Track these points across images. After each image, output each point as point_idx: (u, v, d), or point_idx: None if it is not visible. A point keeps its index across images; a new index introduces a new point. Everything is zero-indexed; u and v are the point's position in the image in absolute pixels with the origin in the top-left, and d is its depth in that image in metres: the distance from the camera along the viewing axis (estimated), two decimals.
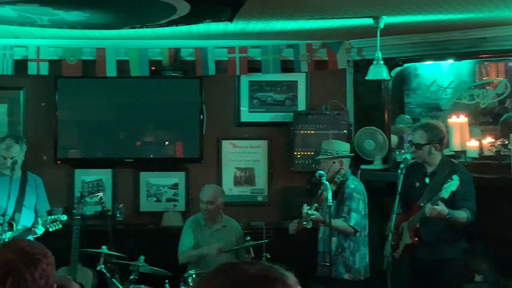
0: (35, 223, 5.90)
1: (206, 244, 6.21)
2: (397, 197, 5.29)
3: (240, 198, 7.17)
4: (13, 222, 5.85)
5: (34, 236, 5.78)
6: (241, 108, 7.22)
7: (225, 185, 7.07)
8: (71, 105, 7.07)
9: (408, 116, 6.79)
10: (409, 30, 6.10)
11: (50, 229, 5.88)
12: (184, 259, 6.14)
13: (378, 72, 5.61)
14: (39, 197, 6.12)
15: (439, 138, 5.44)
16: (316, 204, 5.58)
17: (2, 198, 5.86)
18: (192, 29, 5.90)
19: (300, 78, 7.18)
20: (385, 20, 5.29)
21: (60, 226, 5.95)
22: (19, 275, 2.41)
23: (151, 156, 7.15)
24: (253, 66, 6.96)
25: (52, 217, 5.94)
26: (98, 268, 5.70)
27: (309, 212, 5.48)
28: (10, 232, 5.79)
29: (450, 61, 6.45)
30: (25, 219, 5.95)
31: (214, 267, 1.57)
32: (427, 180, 5.46)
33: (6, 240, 5.70)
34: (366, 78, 5.76)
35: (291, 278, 1.51)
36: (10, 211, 5.87)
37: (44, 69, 6.75)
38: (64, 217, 6.00)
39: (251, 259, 5.71)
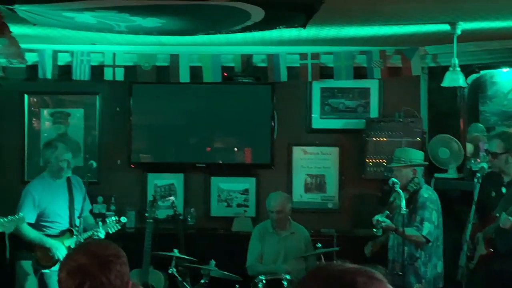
0: (95, 227, 5.91)
1: (273, 250, 6.21)
2: (473, 206, 5.18)
3: (310, 204, 7.16)
4: (72, 228, 5.87)
5: None
6: (313, 115, 7.20)
7: (295, 192, 7.07)
8: (144, 110, 7.19)
9: (481, 125, 6.63)
10: (487, 37, 5.97)
11: (110, 231, 5.95)
12: (252, 273, 6.14)
13: (455, 79, 5.51)
14: (85, 198, 6.05)
15: None
16: (387, 212, 5.52)
17: (58, 201, 5.91)
18: (265, 35, 5.91)
19: (372, 85, 7.12)
20: (462, 26, 5.19)
21: (119, 227, 6.02)
22: (96, 279, 2.40)
23: (220, 161, 7.19)
24: (325, 73, 6.93)
25: (113, 218, 6.02)
26: (169, 271, 5.77)
27: (380, 219, 5.41)
28: (72, 239, 5.81)
29: None
30: (78, 222, 5.91)
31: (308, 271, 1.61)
32: (503, 189, 5.33)
33: (65, 246, 5.77)
34: (442, 85, 5.66)
35: (381, 276, 1.57)
36: (66, 217, 5.91)
37: (120, 75, 6.89)
38: (124, 219, 6.07)
39: None
